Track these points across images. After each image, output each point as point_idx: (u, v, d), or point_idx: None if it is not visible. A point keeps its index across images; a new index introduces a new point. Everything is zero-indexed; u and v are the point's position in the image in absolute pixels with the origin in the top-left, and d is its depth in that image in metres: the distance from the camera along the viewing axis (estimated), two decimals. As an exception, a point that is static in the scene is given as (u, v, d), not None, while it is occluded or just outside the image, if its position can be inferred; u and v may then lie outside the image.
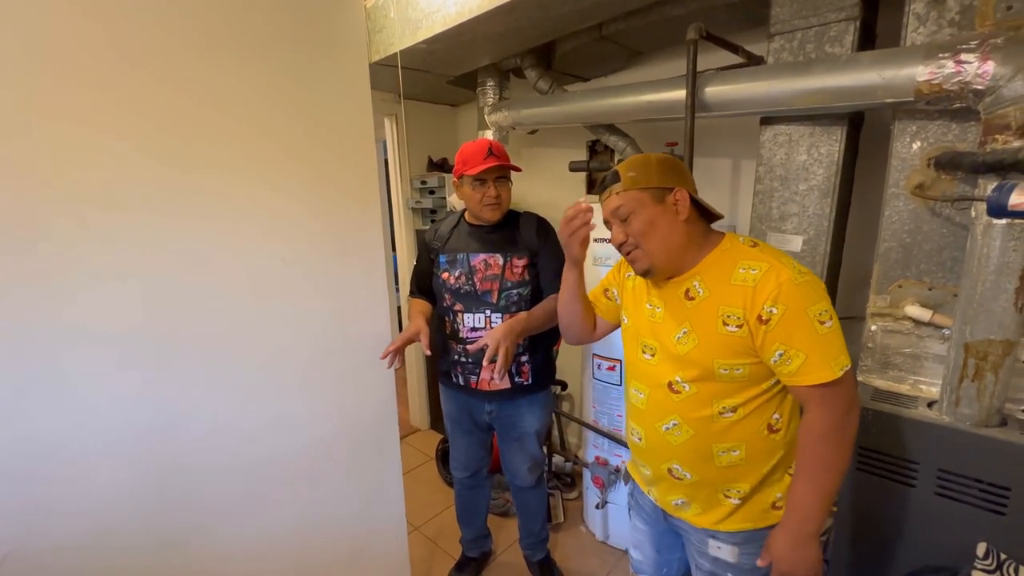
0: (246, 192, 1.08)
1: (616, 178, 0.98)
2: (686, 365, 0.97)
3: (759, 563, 0.98)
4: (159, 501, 1.04)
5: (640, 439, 1.08)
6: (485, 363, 1.43)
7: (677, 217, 0.96)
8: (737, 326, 0.91)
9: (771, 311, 0.87)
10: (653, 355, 1.04)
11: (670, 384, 1.00)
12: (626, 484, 1.25)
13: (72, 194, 0.87)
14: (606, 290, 1.24)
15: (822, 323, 0.87)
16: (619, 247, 1.01)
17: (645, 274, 1.01)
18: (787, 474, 1.01)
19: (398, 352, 1.39)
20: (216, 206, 1.04)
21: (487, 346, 1.37)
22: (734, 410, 0.96)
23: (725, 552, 1.03)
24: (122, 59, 0.90)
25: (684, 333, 0.97)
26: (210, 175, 1.02)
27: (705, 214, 1.02)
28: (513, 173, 1.57)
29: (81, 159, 0.88)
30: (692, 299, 0.97)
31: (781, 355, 0.89)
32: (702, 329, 0.95)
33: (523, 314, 1.51)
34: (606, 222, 1.03)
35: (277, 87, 1.09)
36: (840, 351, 0.88)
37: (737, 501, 1.00)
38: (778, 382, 0.95)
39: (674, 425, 1.00)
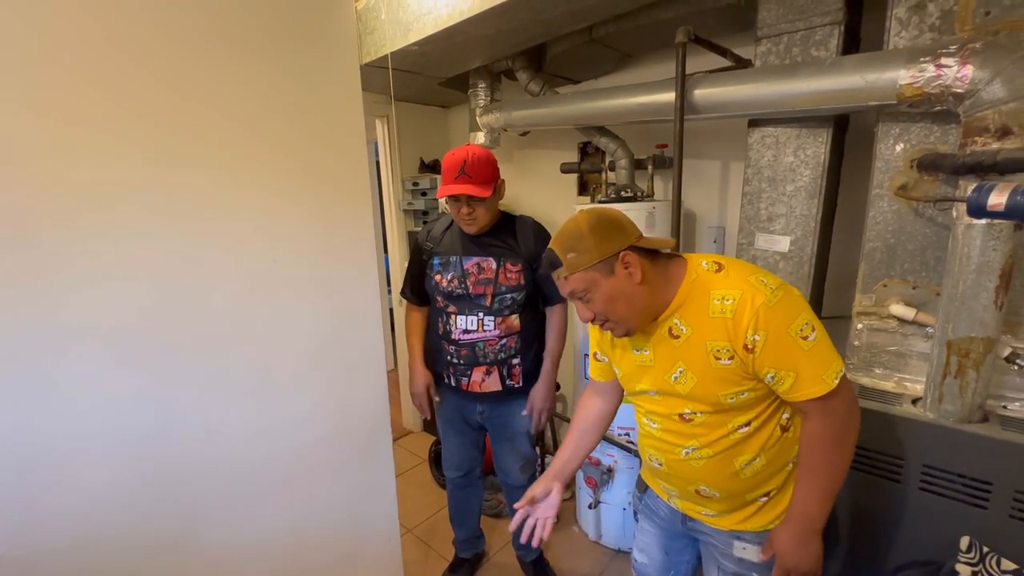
0: (238, 191, 1.07)
1: (558, 261, 0.94)
2: (692, 401, 0.97)
3: (762, 556, 0.99)
4: (153, 503, 1.03)
5: (661, 465, 1.08)
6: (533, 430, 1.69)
7: (632, 280, 0.93)
8: (729, 358, 0.91)
9: (754, 339, 0.87)
10: (656, 393, 1.03)
11: (682, 415, 1.00)
12: (642, 492, 1.23)
13: (64, 192, 0.87)
14: (595, 355, 1.18)
15: (805, 338, 0.87)
16: (590, 322, 1.00)
17: (627, 335, 1.00)
18: None
19: (429, 400, 1.71)
20: (209, 205, 1.04)
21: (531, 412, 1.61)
22: (748, 424, 0.96)
23: (751, 552, 1.03)
24: (118, 56, 0.90)
25: (680, 372, 0.97)
26: (203, 173, 1.02)
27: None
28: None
29: (75, 157, 0.87)
30: (677, 337, 0.96)
31: (773, 377, 0.90)
32: (697, 367, 0.95)
33: (549, 360, 1.64)
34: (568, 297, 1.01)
35: (269, 87, 1.09)
36: (830, 360, 0.88)
37: (764, 498, 1.02)
38: None
39: (693, 450, 1.00)
